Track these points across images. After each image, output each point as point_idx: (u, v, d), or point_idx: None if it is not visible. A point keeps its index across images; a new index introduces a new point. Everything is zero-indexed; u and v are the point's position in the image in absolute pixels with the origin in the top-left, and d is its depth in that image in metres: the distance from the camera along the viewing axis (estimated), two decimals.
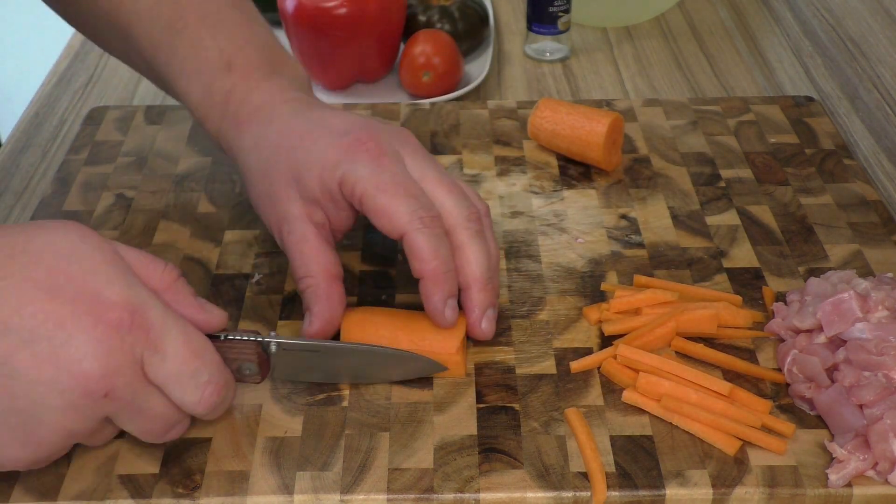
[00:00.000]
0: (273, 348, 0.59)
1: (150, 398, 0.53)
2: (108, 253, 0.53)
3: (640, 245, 0.73)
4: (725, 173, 0.80)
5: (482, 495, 0.56)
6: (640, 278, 0.68)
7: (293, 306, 0.68)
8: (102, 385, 0.50)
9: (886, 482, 0.55)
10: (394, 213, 0.60)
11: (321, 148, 0.62)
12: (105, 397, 0.51)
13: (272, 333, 0.59)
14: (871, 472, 0.56)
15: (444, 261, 0.60)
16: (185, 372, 0.53)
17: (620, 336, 0.64)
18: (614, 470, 0.57)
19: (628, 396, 0.60)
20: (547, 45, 1.03)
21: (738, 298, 0.67)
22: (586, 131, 0.78)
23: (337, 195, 0.62)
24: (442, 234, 0.61)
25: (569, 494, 0.56)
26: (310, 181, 0.62)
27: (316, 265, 0.62)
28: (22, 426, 0.50)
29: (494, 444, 0.58)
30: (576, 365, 0.63)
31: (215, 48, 0.68)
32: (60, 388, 0.50)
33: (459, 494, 0.56)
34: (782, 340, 0.64)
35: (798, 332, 0.62)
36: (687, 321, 0.64)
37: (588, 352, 0.64)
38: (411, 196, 0.60)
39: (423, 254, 0.60)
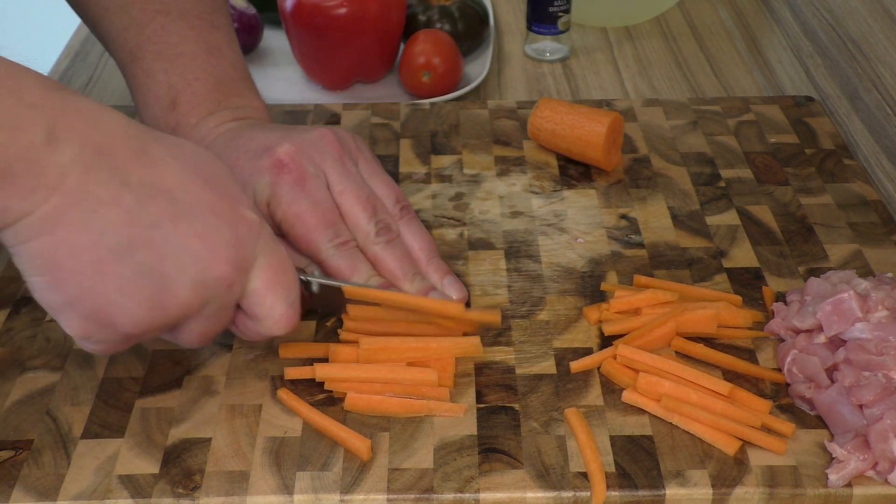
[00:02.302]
0: (315, 287, 0.63)
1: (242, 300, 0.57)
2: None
3: (640, 245, 0.73)
4: (725, 173, 0.80)
5: (482, 495, 0.56)
6: (640, 278, 0.68)
7: None
8: (233, 276, 0.54)
9: (886, 482, 0.55)
10: (311, 243, 0.65)
11: (246, 173, 0.66)
12: (228, 288, 0.54)
13: (314, 272, 0.63)
14: (871, 472, 0.56)
15: (366, 272, 0.66)
16: (281, 283, 0.57)
17: (620, 336, 0.64)
18: (614, 470, 0.57)
19: (628, 396, 0.60)
20: (547, 45, 1.03)
21: (738, 298, 0.67)
22: (586, 131, 0.78)
23: (267, 218, 0.66)
24: (356, 250, 0.66)
25: (569, 494, 0.56)
26: (247, 209, 0.62)
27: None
28: (157, 288, 0.52)
29: (494, 444, 0.58)
30: (576, 365, 0.63)
31: (165, 83, 0.71)
32: (202, 265, 0.53)
33: (459, 494, 0.56)
34: (782, 340, 0.64)
35: (798, 332, 0.62)
36: (687, 321, 0.64)
37: (588, 352, 0.64)
38: (328, 225, 0.65)
39: (344, 274, 0.65)
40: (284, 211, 0.65)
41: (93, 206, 0.50)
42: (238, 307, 0.57)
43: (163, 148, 0.53)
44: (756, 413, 0.59)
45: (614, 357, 0.62)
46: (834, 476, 0.56)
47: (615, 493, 0.56)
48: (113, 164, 0.51)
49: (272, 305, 0.57)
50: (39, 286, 0.51)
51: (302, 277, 0.61)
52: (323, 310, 0.66)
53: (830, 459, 0.57)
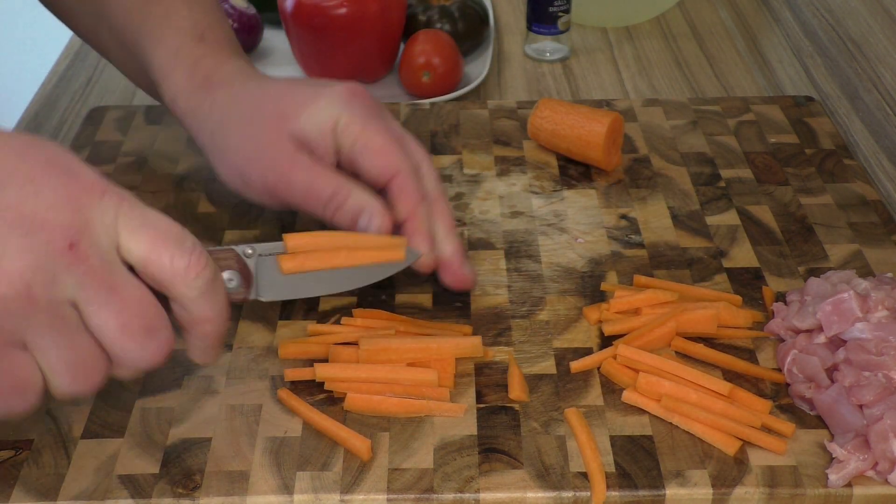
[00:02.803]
0: (249, 251, 0.59)
1: (123, 274, 0.50)
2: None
3: (640, 245, 0.73)
4: (725, 173, 0.80)
5: (482, 495, 0.56)
6: (639, 278, 0.68)
7: (293, 306, 0.68)
8: (67, 234, 0.48)
9: (886, 482, 0.55)
10: (389, 154, 0.64)
11: (312, 93, 0.65)
12: (69, 249, 0.48)
13: (248, 249, 0.59)
14: (871, 472, 0.56)
15: (426, 210, 0.65)
16: (170, 235, 0.51)
17: (620, 336, 0.64)
18: (614, 470, 0.57)
19: (628, 396, 0.60)
20: (547, 45, 1.03)
21: (738, 298, 0.67)
22: (586, 131, 0.78)
23: (327, 137, 0.64)
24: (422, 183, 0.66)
25: (569, 494, 0.56)
26: (302, 123, 0.65)
27: (338, 175, 0.64)
28: None
29: (494, 444, 0.58)
30: (576, 365, 0.63)
31: (190, 18, 0.70)
32: (24, 231, 0.47)
33: (459, 494, 0.56)
34: (782, 340, 0.64)
35: (798, 332, 0.62)
36: (687, 321, 0.64)
37: (588, 352, 0.64)
38: (402, 144, 0.65)
39: (413, 196, 0.64)
40: (362, 126, 0.64)
41: None
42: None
43: None
44: (756, 413, 0.59)
45: (614, 357, 0.62)
46: (834, 476, 0.56)
47: (615, 493, 0.56)
48: None
49: (171, 261, 0.51)
50: None
51: (235, 248, 0.58)
52: (273, 294, 0.60)
53: (830, 459, 0.57)
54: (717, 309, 0.64)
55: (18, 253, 0.47)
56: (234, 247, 0.59)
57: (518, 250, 0.73)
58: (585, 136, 0.78)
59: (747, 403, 0.59)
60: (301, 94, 0.66)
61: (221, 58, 0.70)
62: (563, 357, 0.64)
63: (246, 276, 0.58)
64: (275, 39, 1.04)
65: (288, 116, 0.65)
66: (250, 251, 0.59)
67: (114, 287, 0.49)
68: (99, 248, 0.49)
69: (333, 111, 0.64)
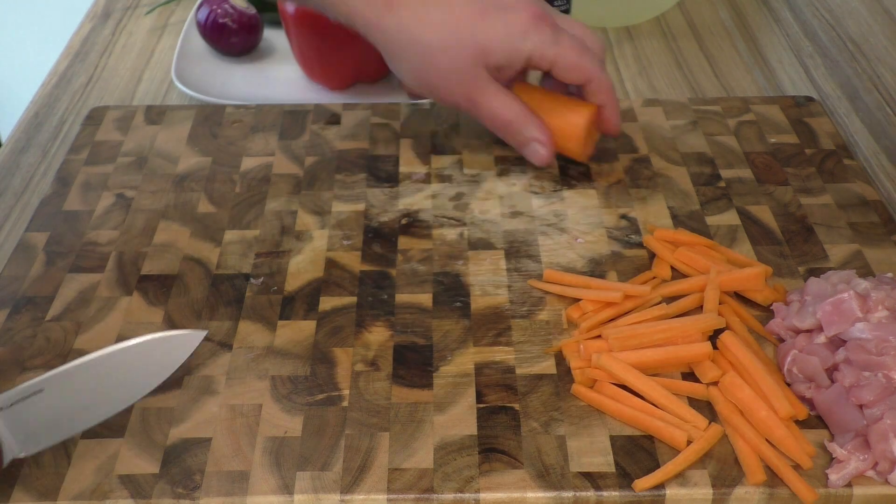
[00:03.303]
0: None
1: None
2: None
3: (640, 245, 0.73)
4: (725, 173, 0.80)
5: (482, 495, 0.56)
6: (672, 232, 0.69)
7: (293, 306, 0.68)
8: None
9: (886, 482, 0.55)
10: (583, 66, 0.75)
11: (505, 23, 0.74)
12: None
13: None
14: (871, 472, 0.56)
15: (617, 98, 0.79)
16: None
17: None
18: (614, 470, 0.57)
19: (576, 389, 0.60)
20: None
21: (768, 268, 0.68)
22: (564, 122, 0.78)
23: (519, 63, 0.75)
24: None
25: (569, 494, 0.56)
26: (498, 53, 0.74)
27: (517, 105, 0.77)
28: None
29: (494, 444, 0.58)
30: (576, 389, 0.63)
31: None
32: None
33: (459, 494, 0.56)
34: (782, 340, 0.64)
35: (798, 332, 0.62)
36: (734, 280, 0.66)
37: None
38: (588, 53, 0.76)
39: (610, 90, 0.77)
40: (557, 50, 0.74)
41: None
42: None
43: None
44: (799, 455, 0.57)
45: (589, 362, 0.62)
46: (834, 476, 0.56)
47: (615, 493, 0.56)
48: None
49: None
50: None
51: None
52: (26, 448, 0.56)
53: (830, 459, 0.57)
54: (764, 268, 0.67)
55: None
56: None
57: (518, 250, 0.73)
58: (563, 128, 0.78)
59: (798, 441, 0.58)
60: (492, 25, 0.74)
61: None
62: (563, 357, 0.64)
63: None
64: (275, 39, 1.04)
65: (484, 50, 0.74)
66: None
67: None
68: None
69: (527, 44, 0.74)
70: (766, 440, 0.57)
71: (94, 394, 0.57)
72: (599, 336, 0.63)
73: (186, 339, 0.62)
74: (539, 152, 0.77)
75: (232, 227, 0.75)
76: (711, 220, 0.75)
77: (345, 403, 0.61)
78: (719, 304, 0.65)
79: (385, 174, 0.81)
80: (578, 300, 0.67)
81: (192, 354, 0.63)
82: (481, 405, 0.61)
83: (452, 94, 0.76)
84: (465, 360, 0.64)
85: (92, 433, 0.59)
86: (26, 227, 0.76)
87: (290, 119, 0.87)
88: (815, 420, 0.59)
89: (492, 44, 0.73)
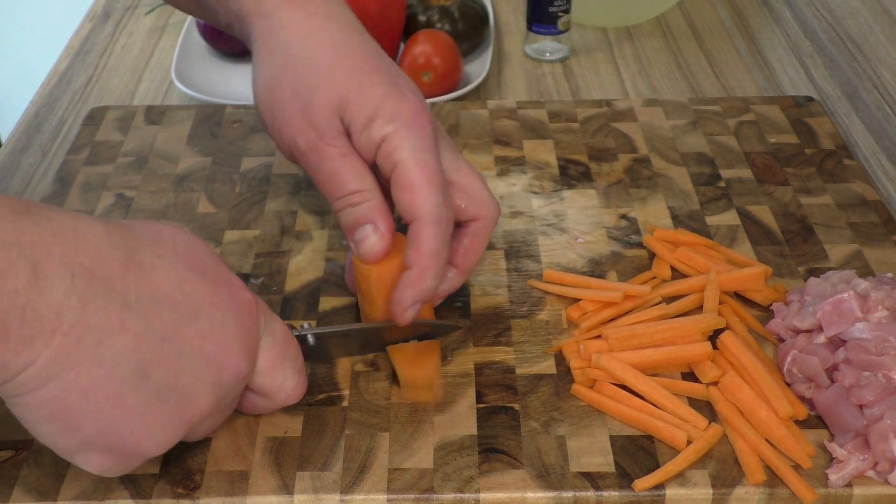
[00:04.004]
0: (311, 340, 0.60)
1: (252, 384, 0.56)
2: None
3: (640, 245, 0.73)
4: (725, 173, 0.80)
5: (482, 495, 0.56)
6: (669, 232, 0.69)
7: (293, 306, 0.68)
8: (247, 367, 0.53)
9: (886, 482, 0.55)
10: (420, 195, 0.58)
11: (379, 93, 0.60)
12: (242, 379, 0.53)
13: (305, 325, 0.61)
14: (871, 472, 0.56)
15: (439, 265, 0.59)
16: (288, 356, 0.56)
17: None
18: (614, 470, 0.57)
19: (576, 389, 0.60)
20: (547, 45, 1.03)
21: (767, 268, 0.68)
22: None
23: (371, 146, 0.60)
24: (449, 239, 0.60)
25: (569, 494, 0.56)
26: (356, 117, 0.60)
27: (369, 177, 0.60)
28: (178, 404, 0.50)
29: (494, 444, 0.58)
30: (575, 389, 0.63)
31: None
32: (216, 366, 0.51)
33: (459, 494, 0.56)
34: (782, 340, 0.64)
35: (798, 332, 0.62)
36: (734, 280, 0.66)
37: None
38: (442, 190, 0.59)
39: (426, 249, 0.58)
40: (408, 155, 0.59)
41: (98, 339, 0.46)
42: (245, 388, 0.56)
43: (148, 249, 0.49)
44: (799, 454, 0.57)
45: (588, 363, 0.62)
46: (834, 476, 0.56)
47: (615, 493, 0.56)
48: (108, 286, 0.46)
49: (283, 380, 0.56)
50: (49, 434, 0.47)
51: (297, 333, 0.60)
52: (317, 359, 0.63)
53: (830, 459, 0.57)
54: (764, 268, 0.66)
55: (211, 390, 0.51)
56: (295, 332, 0.60)
57: (518, 250, 0.73)
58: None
59: (798, 441, 0.58)
60: (371, 89, 0.60)
61: None
62: (562, 357, 0.64)
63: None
64: None
65: (344, 104, 0.60)
66: (311, 339, 0.61)
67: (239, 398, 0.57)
68: (252, 369, 0.54)
69: (387, 126, 0.59)
70: (766, 440, 0.57)
71: (372, 342, 0.64)
72: (599, 336, 0.63)
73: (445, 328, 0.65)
74: (368, 239, 0.60)
75: (232, 227, 0.75)
76: (711, 220, 0.75)
77: (345, 403, 0.61)
78: (719, 304, 0.65)
79: None
80: (578, 300, 0.67)
81: None
82: (481, 405, 0.61)
83: (295, 136, 0.61)
84: (465, 360, 0.64)
85: None
86: None
87: None
88: (815, 420, 0.59)
89: (351, 102, 0.60)
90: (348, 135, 0.61)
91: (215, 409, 0.52)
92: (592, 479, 0.56)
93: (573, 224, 0.75)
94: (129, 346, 0.47)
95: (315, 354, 0.62)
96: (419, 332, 0.63)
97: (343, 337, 0.63)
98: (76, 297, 0.45)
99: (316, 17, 0.63)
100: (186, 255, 0.51)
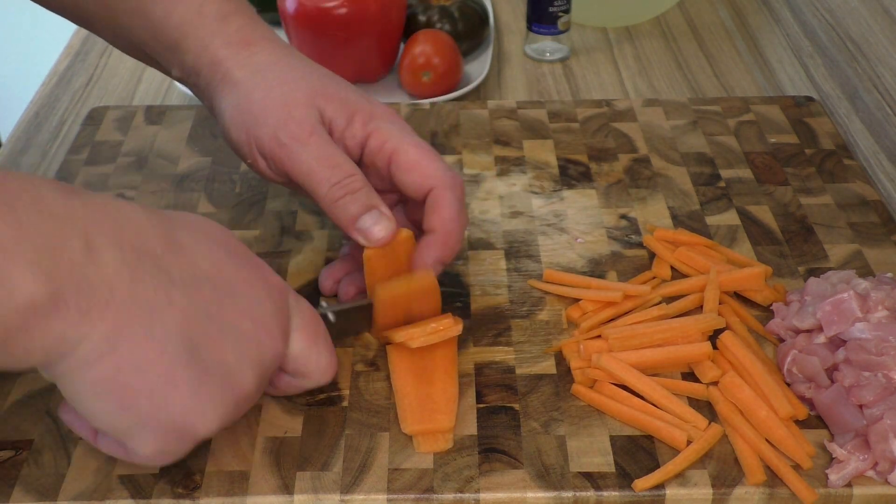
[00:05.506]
0: (332, 318, 0.61)
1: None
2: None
3: (640, 245, 0.73)
4: (725, 173, 0.80)
5: (482, 495, 0.56)
6: (669, 232, 0.69)
7: None
8: (283, 346, 0.53)
9: (886, 482, 0.55)
10: (427, 168, 0.62)
11: (353, 95, 0.64)
12: (278, 358, 0.53)
13: (323, 304, 0.62)
14: (871, 472, 0.56)
15: (461, 227, 0.63)
16: (320, 334, 0.56)
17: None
18: (614, 470, 0.57)
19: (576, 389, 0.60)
20: (547, 45, 1.03)
21: (767, 268, 0.68)
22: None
23: (356, 142, 0.63)
24: (465, 203, 0.64)
25: (569, 494, 0.56)
26: (337, 114, 0.63)
27: (354, 166, 0.62)
28: (227, 382, 0.50)
29: (494, 444, 0.58)
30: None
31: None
32: (257, 342, 0.51)
33: (459, 494, 0.56)
34: (782, 340, 0.64)
35: (798, 332, 0.62)
36: (734, 280, 0.66)
37: None
38: (440, 158, 0.63)
39: (447, 212, 0.62)
40: (398, 141, 0.63)
41: (149, 314, 0.46)
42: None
43: (184, 231, 0.50)
44: (799, 455, 0.57)
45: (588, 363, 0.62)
46: (834, 476, 0.56)
47: (615, 493, 0.56)
48: (153, 262, 0.47)
49: (318, 359, 0.56)
50: (103, 412, 0.48)
51: (320, 312, 0.60)
52: (340, 335, 0.64)
53: (830, 459, 0.57)
54: (764, 268, 0.66)
55: (253, 367, 0.51)
56: (319, 310, 0.60)
57: (518, 250, 0.73)
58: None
59: (798, 441, 0.58)
60: (345, 90, 0.64)
61: (250, 16, 0.67)
62: (562, 357, 0.64)
63: None
64: None
65: (322, 106, 0.63)
66: (332, 316, 0.62)
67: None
68: (286, 350, 0.55)
69: (370, 123, 0.63)
70: (766, 440, 0.57)
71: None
72: (599, 336, 0.63)
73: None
74: (379, 223, 0.61)
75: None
76: (711, 220, 0.75)
77: (345, 403, 0.61)
78: (719, 304, 0.65)
79: None
80: (578, 300, 0.67)
81: None
82: (481, 405, 0.61)
83: (275, 134, 0.62)
84: (465, 360, 0.64)
85: None
86: None
87: None
88: (815, 420, 0.59)
89: (331, 101, 0.63)
90: (329, 131, 0.63)
91: (259, 388, 0.52)
92: (592, 479, 0.56)
93: (573, 224, 0.75)
94: (177, 321, 0.48)
95: (334, 333, 0.60)
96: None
97: (362, 311, 0.63)
98: (126, 271, 0.46)
99: (275, 54, 0.66)
100: (218, 238, 0.53)
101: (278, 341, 0.53)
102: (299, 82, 0.64)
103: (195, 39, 0.66)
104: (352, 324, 0.64)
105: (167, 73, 0.70)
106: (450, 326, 0.61)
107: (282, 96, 0.63)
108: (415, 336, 0.60)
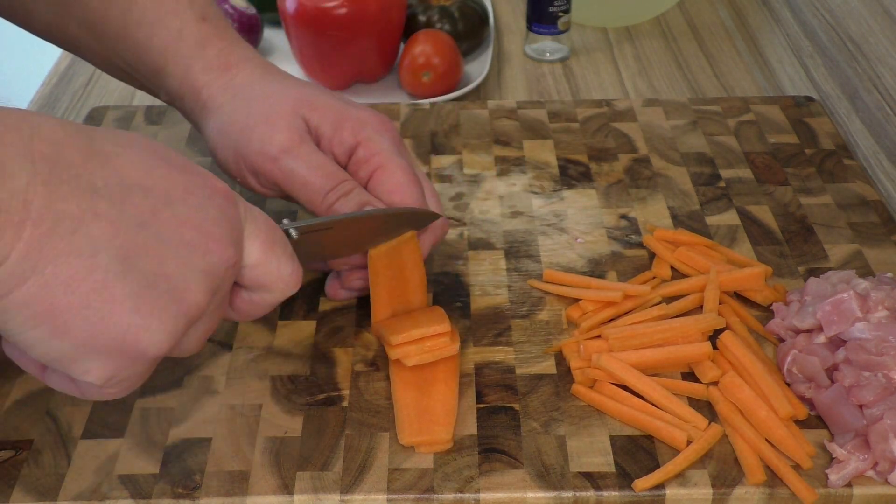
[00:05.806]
0: (294, 234, 0.58)
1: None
2: None
3: (640, 245, 0.73)
4: (725, 173, 0.80)
5: (482, 495, 0.56)
6: (669, 232, 0.69)
7: (293, 306, 0.68)
8: (234, 253, 0.49)
9: (886, 482, 0.55)
10: (408, 196, 0.64)
11: (338, 104, 0.65)
12: (232, 267, 0.50)
13: (285, 221, 0.58)
14: (871, 472, 0.56)
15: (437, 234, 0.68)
16: (277, 241, 0.53)
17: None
18: (614, 470, 0.57)
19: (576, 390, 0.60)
20: (547, 45, 1.03)
21: (767, 268, 0.68)
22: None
23: (344, 150, 0.65)
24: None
25: (569, 494, 0.56)
26: (323, 122, 0.65)
27: (343, 172, 0.64)
28: (171, 293, 0.46)
29: (494, 444, 0.58)
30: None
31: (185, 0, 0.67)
32: (202, 251, 0.48)
33: (459, 494, 0.56)
34: (782, 340, 0.64)
35: (798, 332, 0.62)
36: (734, 280, 0.66)
37: None
38: (423, 187, 0.66)
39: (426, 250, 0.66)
40: (386, 158, 0.65)
41: (72, 227, 0.43)
42: (235, 286, 0.53)
43: (108, 139, 0.47)
44: (799, 455, 0.57)
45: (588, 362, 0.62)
46: (834, 476, 0.56)
47: (615, 493, 0.56)
48: (72, 172, 0.44)
49: (278, 267, 0.53)
50: (38, 340, 0.44)
51: (282, 228, 0.57)
52: (303, 260, 0.59)
53: (830, 459, 0.57)
54: (764, 268, 0.66)
55: (202, 278, 0.48)
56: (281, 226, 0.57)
57: (518, 250, 0.73)
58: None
59: (798, 441, 0.58)
60: (332, 100, 0.66)
61: (229, 39, 0.68)
62: (562, 357, 0.64)
63: None
64: (275, 39, 1.04)
65: (309, 100, 0.65)
66: (294, 233, 0.58)
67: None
68: (240, 259, 0.51)
69: (364, 130, 0.65)
70: (766, 440, 0.57)
71: (356, 237, 0.63)
72: (599, 336, 0.63)
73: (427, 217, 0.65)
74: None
75: None
76: (711, 220, 0.75)
77: (345, 403, 0.61)
78: (719, 304, 0.65)
79: None
80: (578, 300, 0.67)
81: None
82: (481, 405, 0.61)
83: (264, 147, 0.63)
84: (465, 360, 0.64)
85: (92, 433, 0.59)
86: None
87: None
88: (815, 420, 0.59)
89: (316, 111, 0.65)
90: (316, 140, 0.65)
91: (209, 299, 0.48)
92: (592, 479, 0.56)
93: (573, 224, 0.75)
94: (105, 233, 0.44)
95: (298, 253, 0.57)
96: (399, 230, 0.64)
97: (326, 230, 0.60)
98: (40, 183, 0.42)
99: (255, 74, 0.68)
100: (149, 147, 0.49)
101: (228, 249, 0.49)
102: (280, 96, 0.65)
103: (176, 66, 0.67)
104: (316, 248, 0.61)
105: (156, 96, 0.71)
106: (446, 346, 0.61)
107: (264, 113, 0.64)
108: (410, 354, 0.60)
